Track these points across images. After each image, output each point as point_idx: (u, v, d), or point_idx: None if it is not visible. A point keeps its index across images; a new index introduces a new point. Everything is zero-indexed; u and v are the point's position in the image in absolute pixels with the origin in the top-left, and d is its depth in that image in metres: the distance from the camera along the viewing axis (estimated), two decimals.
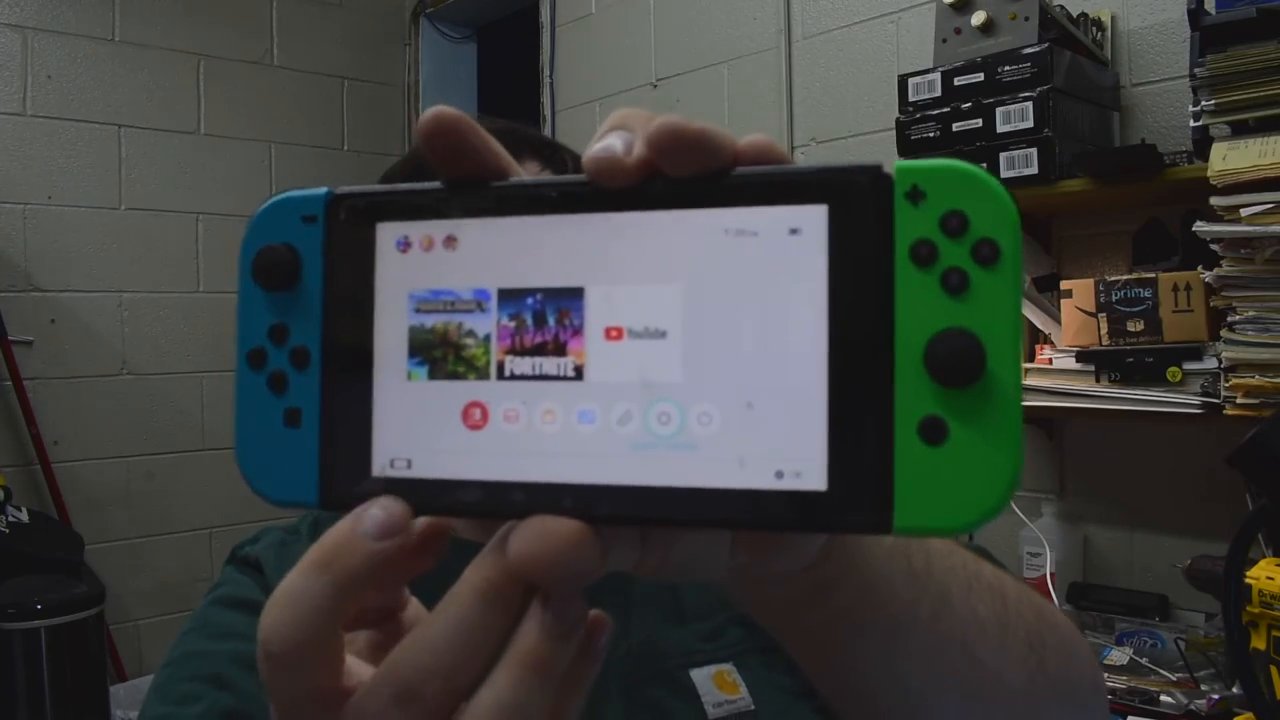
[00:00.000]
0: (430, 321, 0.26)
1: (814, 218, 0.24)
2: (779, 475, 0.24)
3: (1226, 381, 1.46)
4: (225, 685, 0.61)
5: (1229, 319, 1.45)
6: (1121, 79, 1.83)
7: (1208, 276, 1.46)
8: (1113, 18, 1.85)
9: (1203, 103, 1.45)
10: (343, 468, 0.27)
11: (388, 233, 0.27)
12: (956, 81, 1.73)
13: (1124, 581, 1.84)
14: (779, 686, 0.61)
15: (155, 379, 3.04)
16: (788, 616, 0.35)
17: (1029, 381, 1.72)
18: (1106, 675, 1.55)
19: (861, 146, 2.26)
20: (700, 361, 0.24)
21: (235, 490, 2.68)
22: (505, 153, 0.28)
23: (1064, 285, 1.67)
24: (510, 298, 0.26)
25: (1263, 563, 1.14)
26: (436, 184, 0.27)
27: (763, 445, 0.24)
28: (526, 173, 0.72)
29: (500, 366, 0.26)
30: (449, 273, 0.26)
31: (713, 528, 0.25)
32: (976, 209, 0.23)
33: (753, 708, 0.60)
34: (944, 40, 1.77)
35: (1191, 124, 1.49)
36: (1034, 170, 1.64)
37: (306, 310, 0.27)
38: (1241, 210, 1.39)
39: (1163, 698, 1.46)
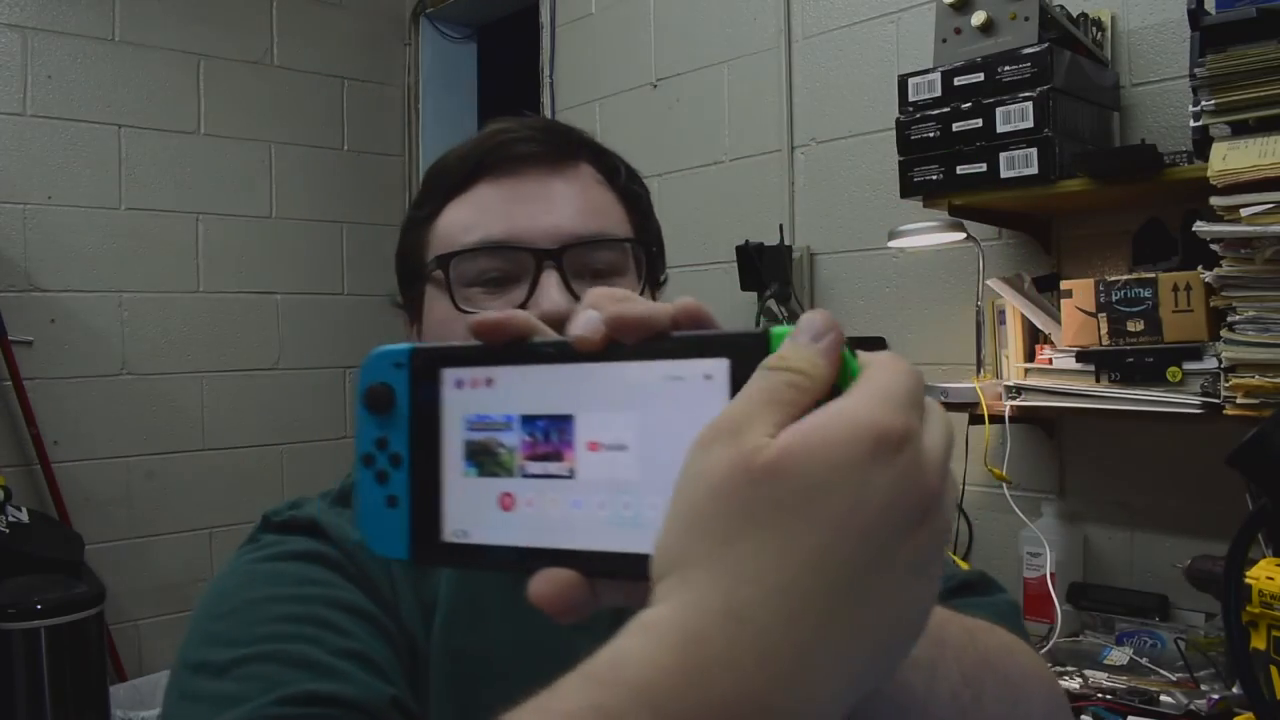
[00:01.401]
0: (478, 436, 0.38)
1: (720, 368, 0.35)
2: None
3: (1226, 381, 1.46)
4: (329, 625, 0.60)
5: (1229, 319, 1.45)
6: (1121, 79, 1.83)
7: (1208, 276, 1.46)
8: (1113, 18, 1.85)
9: (1203, 103, 1.45)
10: (423, 535, 0.39)
11: (450, 375, 0.39)
12: (956, 81, 1.73)
13: (1124, 581, 1.84)
14: None
15: (155, 379, 3.04)
16: None
17: (1029, 381, 1.72)
18: (1106, 675, 1.55)
19: (861, 146, 2.26)
20: (649, 467, 0.35)
21: (235, 490, 2.70)
22: (526, 324, 0.39)
23: (1064, 285, 1.67)
24: (527, 421, 0.38)
25: (1263, 563, 1.14)
26: (479, 344, 0.39)
27: None
28: (581, 174, 0.72)
29: (522, 468, 0.38)
30: (489, 403, 0.38)
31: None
32: None
33: None
34: (944, 40, 1.77)
35: (1191, 124, 1.49)
36: (1034, 170, 1.64)
37: (399, 428, 0.40)
38: (1241, 210, 1.39)
39: (1163, 698, 1.46)
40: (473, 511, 0.38)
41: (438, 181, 0.75)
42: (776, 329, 0.34)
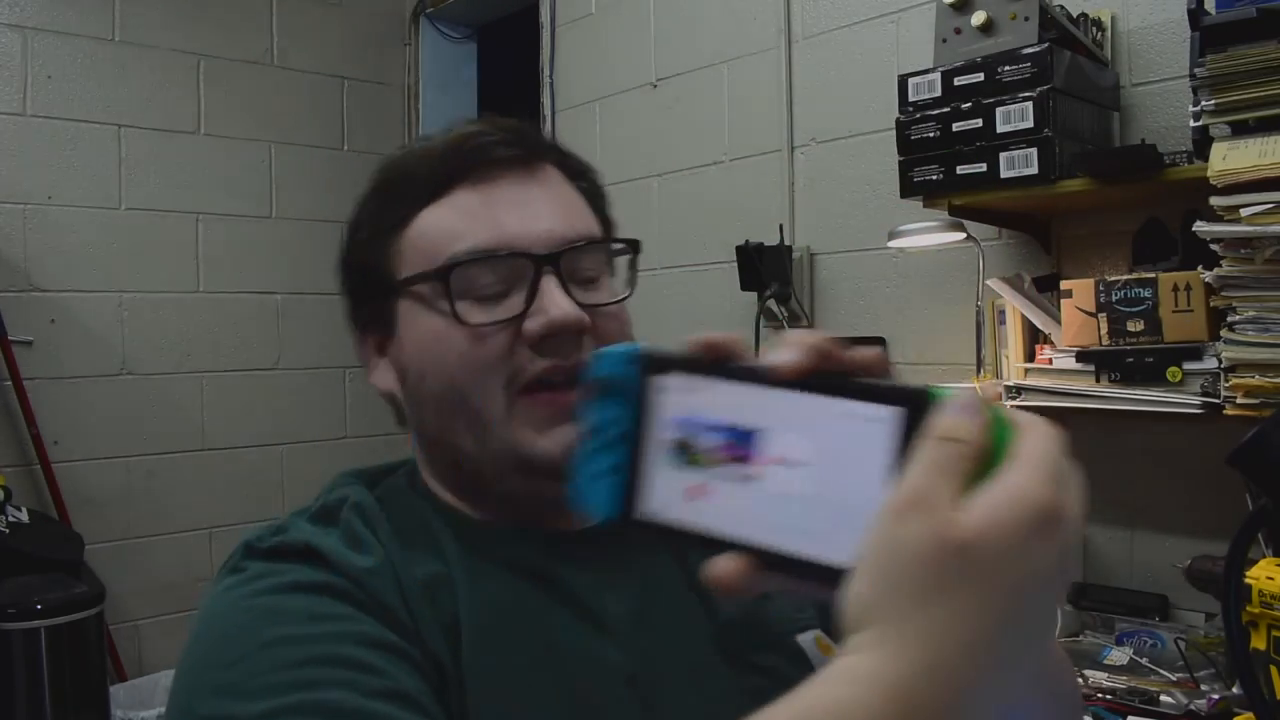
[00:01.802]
0: (681, 434, 0.46)
1: (886, 414, 0.41)
2: (849, 562, 0.40)
3: (1226, 381, 1.46)
4: (361, 665, 0.56)
5: (1229, 319, 1.45)
6: (1121, 79, 1.83)
7: (1208, 276, 1.46)
8: (1113, 18, 1.85)
9: (1203, 103, 1.45)
10: (627, 506, 0.47)
11: (667, 379, 0.47)
12: (956, 81, 1.73)
13: (1124, 581, 1.84)
14: None
15: (155, 379, 3.04)
16: None
17: (1029, 381, 1.72)
18: (1106, 675, 1.55)
19: (862, 146, 2.26)
20: (820, 486, 0.42)
21: (235, 490, 2.68)
22: (740, 348, 0.46)
23: (1064, 285, 1.67)
24: (725, 427, 0.45)
25: (1263, 563, 1.14)
26: (696, 355, 0.46)
27: (847, 540, 0.40)
28: (551, 176, 0.71)
29: (714, 466, 0.44)
30: (695, 407, 0.46)
31: (817, 582, 0.42)
32: None
33: None
34: (944, 40, 1.77)
35: (1191, 124, 1.49)
36: (1034, 170, 1.64)
37: (621, 413, 0.47)
38: (1241, 210, 1.39)
39: (1163, 698, 1.46)
40: (669, 494, 0.46)
41: (404, 188, 0.71)
42: (934, 390, 0.41)
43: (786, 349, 0.44)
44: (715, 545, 0.44)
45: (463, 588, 0.64)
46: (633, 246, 0.75)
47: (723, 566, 0.43)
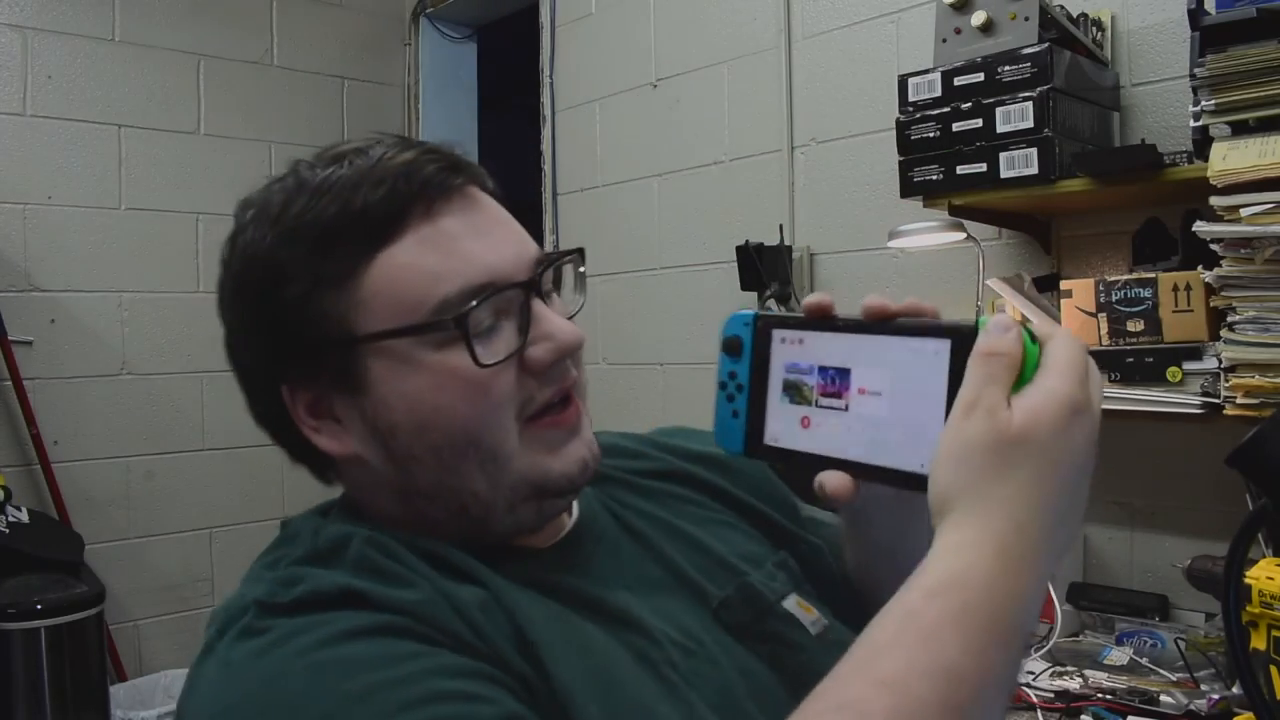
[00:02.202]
0: (791, 377, 0.57)
1: (944, 346, 0.51)
2: (921, 466, 0.51)
3: (1226, 381, 1.46)
4: (471, 696, 0.53)
5: (1229, 319, 1.45)
6: (1121, 79, 1.83)
7: (1208, 276, 1.46)
8: (1113, 18, 1.85)
9: (1203, 103, 1.45)
10: (753, 439, 0.59)
11: (778, 335, 0.58)
12: (956, 81, 1.73)
13: (1124, 581, 1.84)
14: (822, 607, 0.76)
15: (155, 379, 3.04)
16: (883, 530, 0.69)
17: None
18: (1106, 675, 1.55)
19: (862, 146, 2.26)
20: (895, 409, 0.53)
21: (235, 490, 2.66)
22: (828, 306, 0.58)
23: (1064, 285, 1.67)
24: (822, 370, 0.56)
25: (1263, 563, 1.14)
26: (798, 314, 0.58)
27: (917, 452, 0.51)
28: (480, 194, 0.70)
29: (817, 401, 0.56)
30: (800, 356, 0.57)
31: (895, 485, 0.53)
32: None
33: (827, 622, 0.74)
34: (944, 40, 1.76)
35: (1191, 124, 1.49)
36: (1034, 170, 1.64)
37: (743, 366, 0.59)
38: (1241, 210, 1.39)
39: (1163, 698, 1.46)
40: (784, 426, 0.57)
41: (345, 229, 0.64)
42: (981, 319, 0.51)
43: (877, 297, 0.56)
44: (822, 464, 0.55)
45: (515, 605, 0.62)
46: (580, 254, 0.74)
47: (830, 481, 0.54)
